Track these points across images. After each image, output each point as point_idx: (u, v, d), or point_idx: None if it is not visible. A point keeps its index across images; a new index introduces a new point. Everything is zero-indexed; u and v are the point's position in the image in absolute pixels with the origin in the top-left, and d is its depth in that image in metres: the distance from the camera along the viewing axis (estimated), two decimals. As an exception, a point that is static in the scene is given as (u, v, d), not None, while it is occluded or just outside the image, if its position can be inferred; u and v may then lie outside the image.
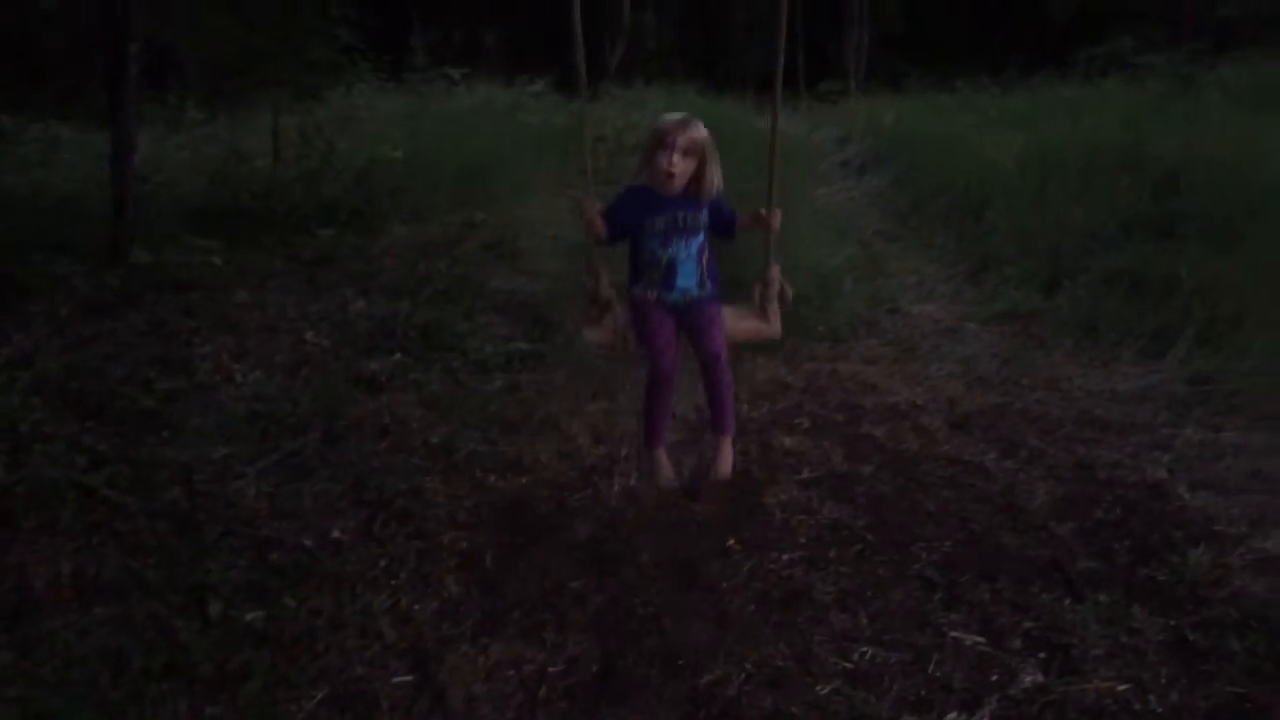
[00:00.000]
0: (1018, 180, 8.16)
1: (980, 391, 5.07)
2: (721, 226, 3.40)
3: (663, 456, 3.58)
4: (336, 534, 3.45)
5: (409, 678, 2.75)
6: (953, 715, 2.72)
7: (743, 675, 2.84)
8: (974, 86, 13.28)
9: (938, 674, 2.90)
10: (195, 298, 5.56)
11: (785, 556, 3.47)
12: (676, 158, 3.17)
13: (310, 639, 2.87)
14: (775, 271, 3.53)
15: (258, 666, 2.72)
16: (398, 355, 5.12)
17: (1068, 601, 3.24)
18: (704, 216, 3.32)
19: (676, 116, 3.23)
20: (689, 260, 3.31)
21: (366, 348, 5.21)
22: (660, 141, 3.18)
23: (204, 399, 4.50)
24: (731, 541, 3.53)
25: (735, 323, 3.49)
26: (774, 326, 3.57)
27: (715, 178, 3.28)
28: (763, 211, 3.39)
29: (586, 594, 3.16)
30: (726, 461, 3.54)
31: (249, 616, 2.93)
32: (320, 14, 7.83)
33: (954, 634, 3.08)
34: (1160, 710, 2.74)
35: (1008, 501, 3.89)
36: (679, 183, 3.23)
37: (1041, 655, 2.99)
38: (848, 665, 2.94)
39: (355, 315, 5.63)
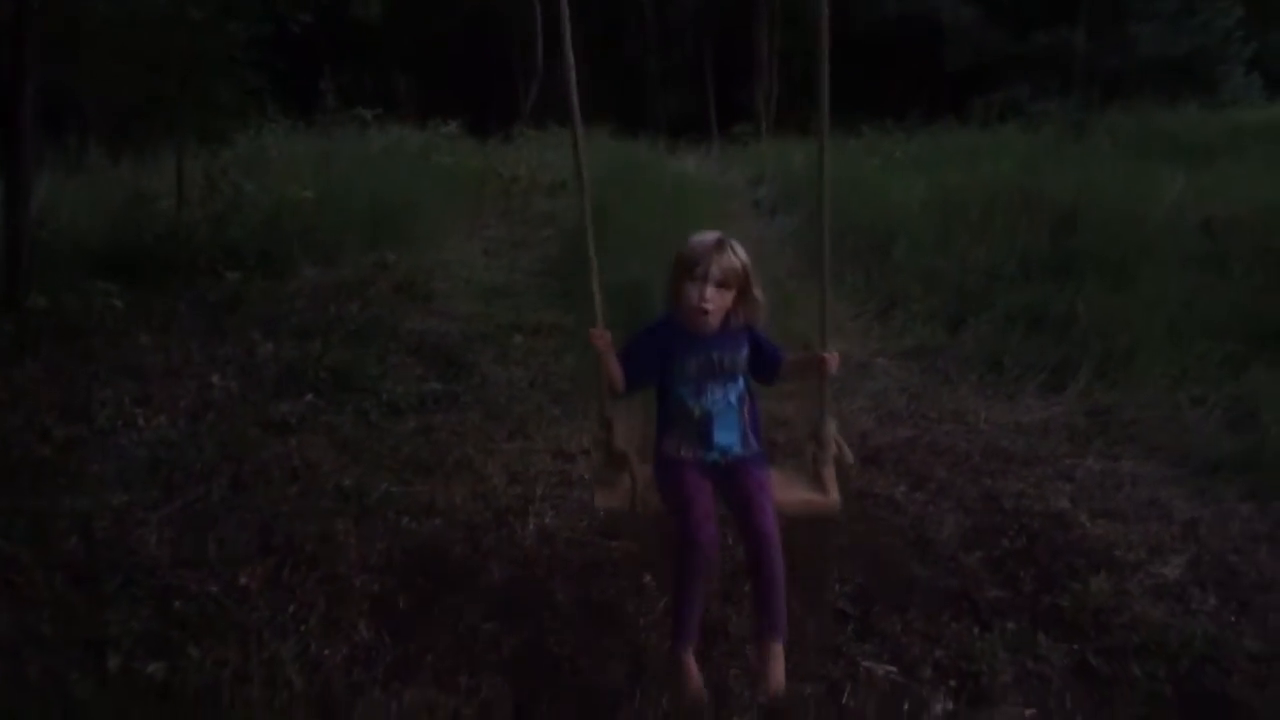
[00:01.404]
0: (922, 221, 8.39)
1: (890, 426, 5.16)
2: (761, 367, 2.91)
3: (691, 662, 2.74)
4: (243, 580, 3.35)
5: (319, 728, 2.68)
6: (866, 746, 2.75)
7: (660, 714, 2.83)
8: (878, 131, 13.66)
9: (851, 704, 2.92)
10: (95, 343, 5.41)
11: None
12: (710, 291, 2.67)
13: (214, 691, 2.78)
14: (831, 428, 3.03)
15: (158, 721, 2.63)
16: (309, 397, 5.04)
17: (976, 630, 3.30)
18: (744, 355, 2.83)
19: (709, 238, 2.72)
20: (729, 411, 2.82)
21: (275, 391, 5.11)
22: (689, 271, 2.67)
23: (104, 445, 4.37)
24: (648, 579, 3.53)
25: (784, 492, 2.95)
26: (832, 497, 3.00)
27: (757, 308, 2.80)
28: (821, 352, 2.93)
29: (501, 637, 3.12)
30: (779, 673, 2.73)
31: (150, 669, 2.84)
32: (226, 57, 7.75)
33: (866, 664, 3.11)
34: (1065, 735, 2.80)
35: (918, 533, 3.96)
36: (715, 320, 2.74)
37: (952, 683, 3.03)
38: (761, 699, 2.94)
39: (263, 359, 5.53)
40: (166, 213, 7.54)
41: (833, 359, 2.90)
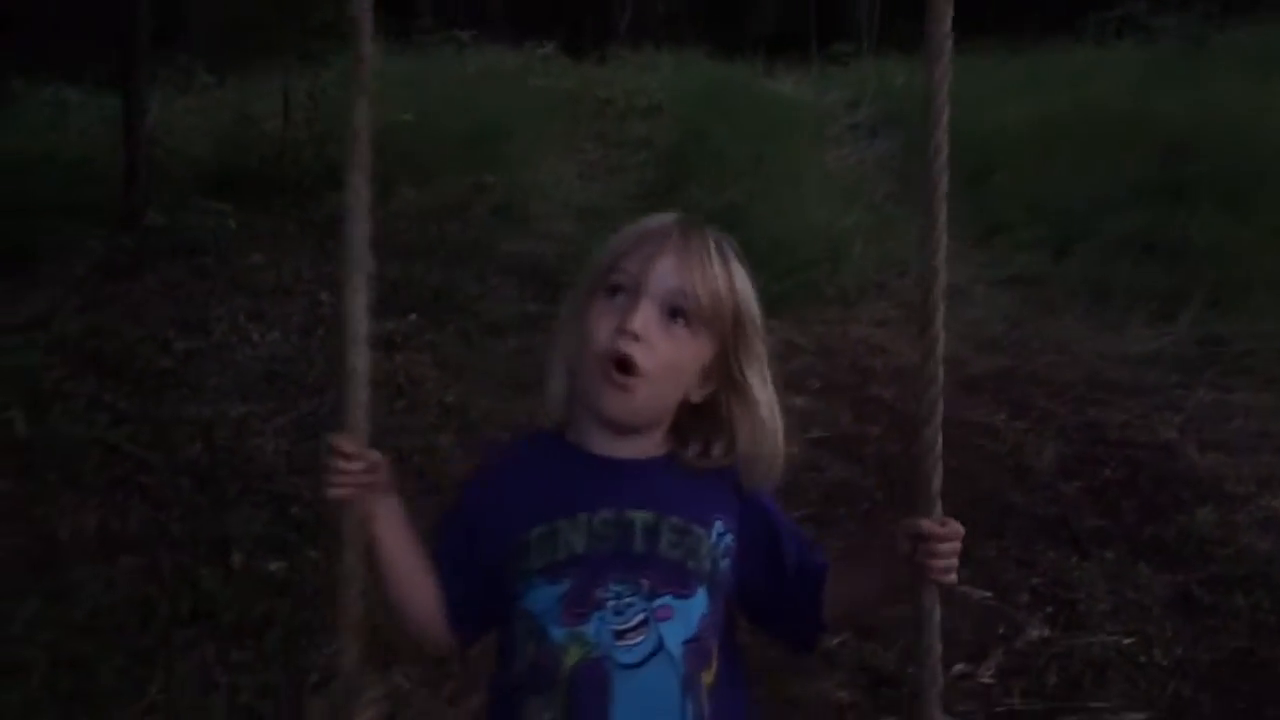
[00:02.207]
0: (1026, 144, 8.14)
1: (989, 354, 5.09)
2: (785, 585, 1.24)
3: None
4: (355, 490, 3.49)
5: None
6: (960, 667, 2.78)
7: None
8: (984, 49, 13.19)
9: (945, 626, 2.94)
10: (209, 260, 5.60)
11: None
12: (645, 317, 1.15)
13: (331, 590, 2.91)
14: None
15: (280, 614, 2.78)
16: (412, 316, 5.16)
17: (1074, 559, 3.29)
18: (721, 530, 1.20)
19: (665, 220, 1.25)
20: (657, 669, 1.11)
21: (380, 310, 5.18)
22: (604, 277, 1.21)
23: (222, 358, 4.56)
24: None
25: None
26: None
27: (758, 411, 1.23)
28: (921, 523, 1.19)
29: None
30: None
31: (271, 567, 3.00)
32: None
33: (961, 589, 3.12)
34: (1164, 664, 2.80)
35: (1016, 461, 3.94)
36: (642, 393, 1.16)
37: (1048, 610, 3.05)
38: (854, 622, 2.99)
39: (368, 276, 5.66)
40: (272, 133, 7.68)
41: (950, 528, 1.22)
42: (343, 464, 1.21)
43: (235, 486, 3.44)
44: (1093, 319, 5.48)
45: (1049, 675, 2.78)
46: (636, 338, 1.14)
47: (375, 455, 1.24)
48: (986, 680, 2.78)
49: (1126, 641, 2.88)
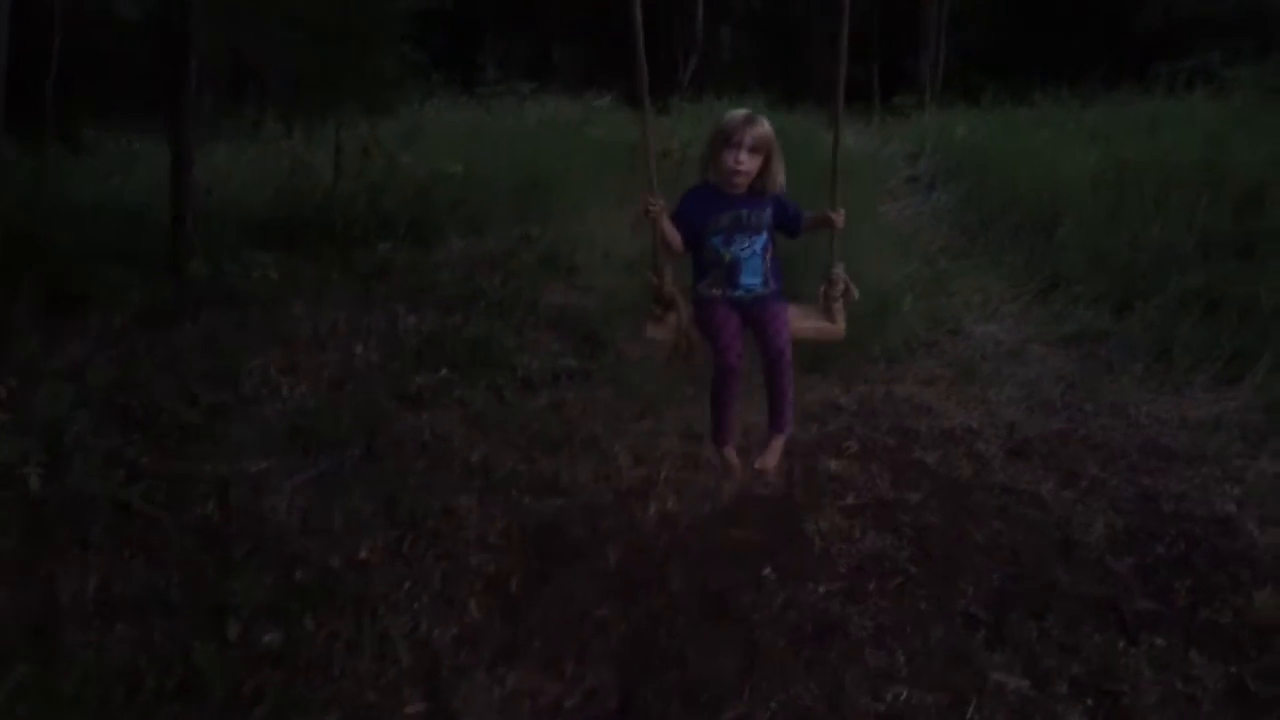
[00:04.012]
0: (1092, 196, 7.88)
1: (1041, 416, 4.87)
2: (786, 223, 3.33)
3: (732, 454, 3.41)
4: (364, 553, 3.41)
5: (422, 706, 2.69)
6: (989, 764, 2.58)
7: (767, 714, 2.73)
8: (1051, 100, 12.93)
9: (976, 718, 2.75)
10: (250, 311, 5.61)
11: (822, 588, 3.34)
12: (744, 155, 3.10)
13: (326, 662, 2.82)
14: (840, 270, 3.43)
15: (271, 689, 2.68)
16: (444, 371, 5.09)
17: (1121, 644, 3.07)
18: (768, 214, 3.24)
19: (741, 113, 3.17)
20: (753, 258, 3.24)
21: (414, 363, 5.19)
22: (726, 139, 3.10)
23: (248, 412, 4.52)
24: (767, 570, 3.42)
25: (800, 321, 3.41)
26: (839, 326, 3.49)
27: (780, 174, 3.21)
28: (829, 211, 3.30)
29: (611, 623, 3.08)
30: (774, 456, 3.37)
31: (267, 638, 2.90)
32: (388, 29, 7.90)
33: (996, 676, 2.93)
34: (1215, 766, 2.56)
35: (1063, 534, 3.71)
36: (746, 181, 3.16)
37: (1089, 702, 2.83)
38: (880, 707, 2.81)
39: (406, 330, 5.63)
40: (326, 183, 7.76)
41: (840, 214, 3.29)
42: (650, 204, 3.06)
43: (243, 548, 3.36)
44: (1152, 380, 5.22)
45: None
46: (740, 163, 3.08)
47: (662, 201, 3.09)
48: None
49: (1174, 740, 2.65)
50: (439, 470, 4.11)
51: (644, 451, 4.35)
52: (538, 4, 22.68)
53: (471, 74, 15.04)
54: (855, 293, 3.46)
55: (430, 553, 3.45)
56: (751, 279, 3.24)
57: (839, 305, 3.45)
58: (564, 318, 6.01)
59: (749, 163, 3.11)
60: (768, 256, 3.27)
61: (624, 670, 2.86)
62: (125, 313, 5.25)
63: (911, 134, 13.03)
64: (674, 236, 3.19)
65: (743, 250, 3.22)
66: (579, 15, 23.50)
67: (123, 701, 2.59)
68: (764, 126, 3.13)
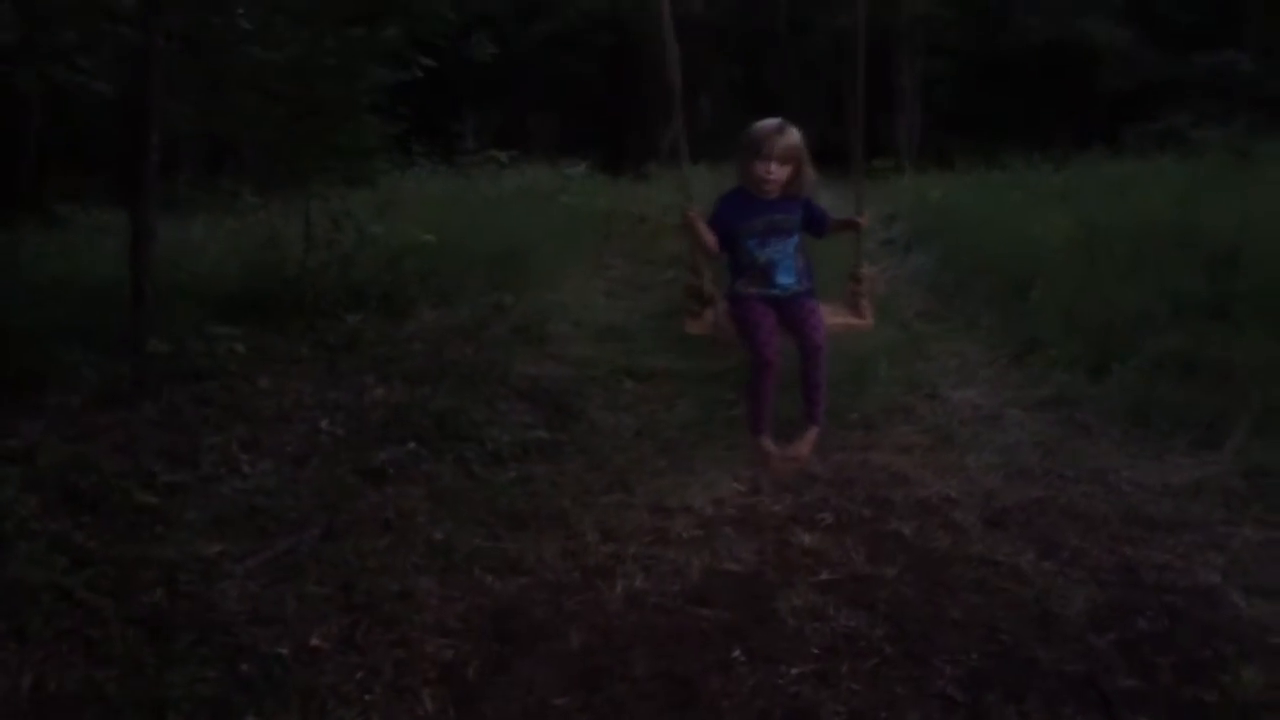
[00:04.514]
0: (1065, 259, 7.88)
1: (1020, 484, 4.77)
2: (814, 225, 3.50)
3: (770, 443, 3.55)
4: (316, 641, 3.26)
5: (369, 808, 2.54)
6: None
7: (733, 810, 2.59)
8: (1024, 163, 13.06)
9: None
10: (212, 387, 5.50)
11: (794, 670, 3.21)
12: (774, 166, 3.27)
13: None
14: (867, 267, 3.70)
15: (207, 795, 2.53)
16: (411, 445, 4.97)
17: (1104, 726, 2.94)
18: (799, 216, 3.42)
19: (771, 123, 3.32)
20: (787, 259, 3.41)
21: (380, 437, 5.08)
22: (756, 150, 3.27)
23: (206, 492, 4.39)
24: (736, 653, 3.29)
25: (830, 317, 3.55)
26: (867, 320, 3.67)
27: (810, 178, 3.39)
28: (855, 218, 3.61)
29: (570, 713, 2.94)
30: (808, 446, 3.57)
31: (207, 736, 2.75)
32: (362, 102, 7.89)
33: (974, 762, 2.80)
34: None
35: (1042, 609, 3.60)
36: (776, 189, 3.33)
37: (1072, 789, 2.69)
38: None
39: (372, 403, 5.53)
40: (297, 255, 7.69)
41: (863, 218, 3.60)
42: (689, 214, 3.27)
43: (188, 638, 3.21)
44: (1131, 445, 5.13)
45: None
46: (770, 173, 3.23)
47: (698, 209, 3.28)
48: None
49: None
50: (400, 549, 3.97)
51: (612, 526, 4.23)
52: (513, 75, 22.91)
53: (451, 143, 15.12)
54: (880, 285, 3.60)
55: (385, 639, 3.31)
56: (786, 278, 3.42)
57: (866, 301, 3.66)
58: (535, 388, 5.93)
59: (779, 172, 3.28)
60: (800, 256, 3.46)
61: (584, 764, 2.72)
62: (82, 391, 5.13)
63: (888, 196, 13.10)
64: (710, 239, 3.34)
65: (777, 252, 3.39)
66: (552, 86, 23.75)
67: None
68: (791, 137, 3.28)
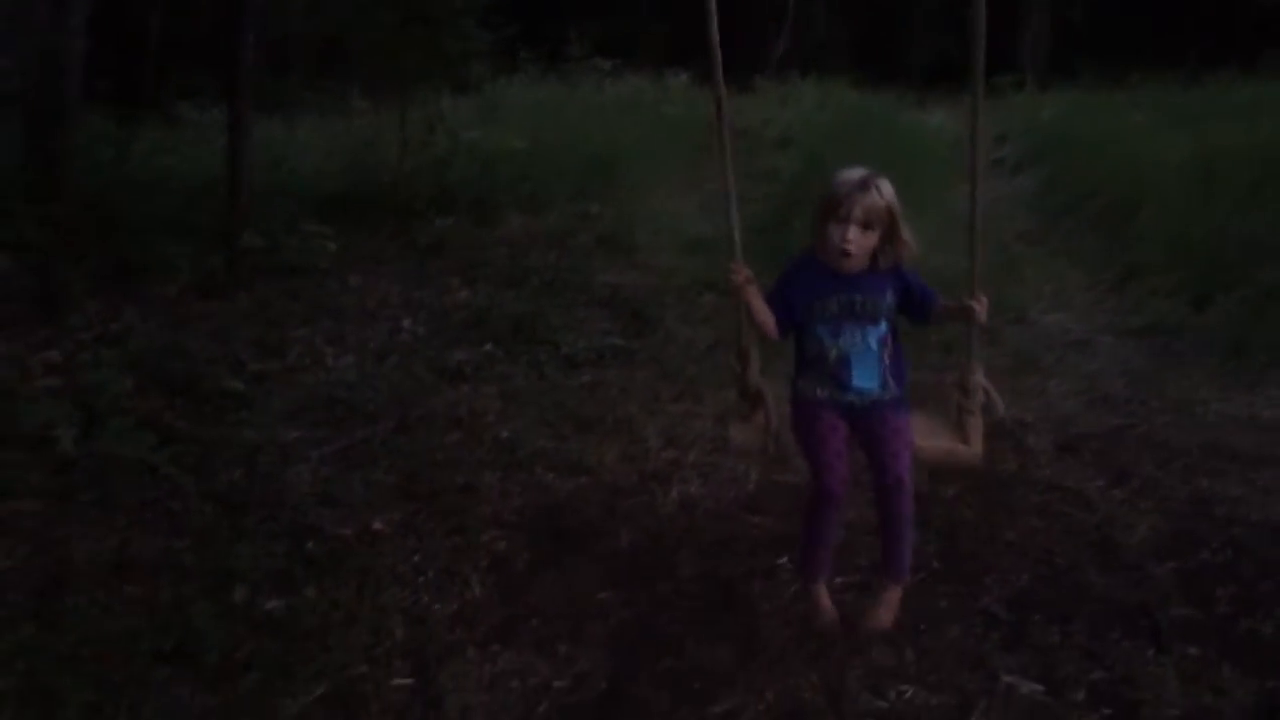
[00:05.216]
0: (1178, 184, 7.52)
1: (1100, 411, 4.66)
2: (912, 309, 2.77)
3: (823, 594, 2.92)
4: (378, 525, 3.42)
5: (409, 680, 2.67)
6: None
7: (761, 707, 2.64)
8: (1152, 82, 12.39)
9: (980, 721, 2.63)
10: (303, 282, 5.70)
11: (839, 580, 3.22)
12: (853, 232, 2.59)
13: (322, 633, 2.83)
14: (979, 375, 2.84)
15: (262, 657, 2.69)
16: (487, 346, 5.10)
17: (1150, 652, 2.89)
18: (889, 298, 2.70)
19: (855, 176, 2.63)
20: (868, 353, 2.70)
21: (458, 338, 5.21)
22: (833, 210, 2.60)
23: (291, 381, 4.59)
24: (783, 560, 3.32)
25: (925, 439, 2.80)
26: (974, 448, 2.84)
27: (908, 246, 2.67)
28: (970, 302, 2.73)
29: (612, 607, 3.01)
30: (889, 612, 2.86)
31: (269, 605, 2.92)
32: (468, 8, 7.92)
33: (1009, 679, 2.78)
34: (1232, 788, 2.41)
35: (1103, 535, 3.53)
36: (857, 263, 2.66)
37: (1106, 711, 2.67)
38: (880, 704, 2.69)
39: (454, 305, 5.65)
40: (393, 159, 7.83)
41: (981, 306, 2.72)
42: (736, 275, 2.66)
43: (260, 515, 3.40)
44: (1224, 377, 4.95)
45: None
46: (848, 241, 2.61)
47: (748, 271, 2.69)
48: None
49: (1193, 758, 2.49)
50: (467, 445, 4.11)
51: (677, 434, 4.28)
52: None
53: (557, 51, 15.02)
54: (1001, 406, 2.87)
55: (443, 528, 3.44)
56: (865, 381, 2.71)
57: (976, 421, 2.83)
58: (615, 296, 5.97)
59: (860, 240, 2.61)
60: (887, 352, 2.73)
61: (618, 656, 2.80)
62: (180, 281, 5.36)
63: (1003, 115, 12.61)
64: (767, 318, 2.69)
65: (854, 344, 2.69)
66: (666, -6, 23.27)
67: (117, 662, 2.63)
68: (878, 195, 2.59)
